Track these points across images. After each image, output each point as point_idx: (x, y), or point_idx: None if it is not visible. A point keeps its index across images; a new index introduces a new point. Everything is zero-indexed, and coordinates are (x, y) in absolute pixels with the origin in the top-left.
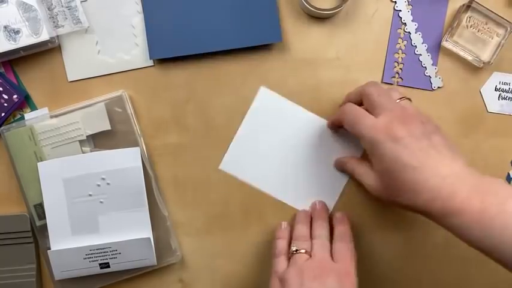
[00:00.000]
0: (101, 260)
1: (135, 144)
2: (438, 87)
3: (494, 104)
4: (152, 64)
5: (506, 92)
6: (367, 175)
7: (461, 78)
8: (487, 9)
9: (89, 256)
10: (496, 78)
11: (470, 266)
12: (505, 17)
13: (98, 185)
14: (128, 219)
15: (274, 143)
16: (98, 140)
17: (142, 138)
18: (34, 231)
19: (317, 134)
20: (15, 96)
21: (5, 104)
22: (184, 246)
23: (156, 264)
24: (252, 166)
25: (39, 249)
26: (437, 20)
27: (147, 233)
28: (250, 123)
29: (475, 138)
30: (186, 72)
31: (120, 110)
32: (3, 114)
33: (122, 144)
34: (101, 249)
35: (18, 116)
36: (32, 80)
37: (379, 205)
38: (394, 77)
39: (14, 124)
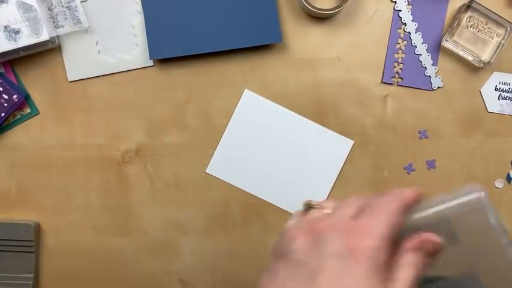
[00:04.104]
0: None
1: None
2: (438, 87)
3: (494, 104)
4: (152, 64)
5: (506, 92)
6: None
7: (461, 78)
8: (487, 9)
9: None
10: (496, 78)
11: None
12: (505, 17)
13: None
14: None
15: (259, 145)
16: None
17: None
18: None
19: (302, 134)
20: (15, 96)
21: (5, 104)
22: (185, 246)
23: None
24: (238, 169)
25: (39, 260)
26: (437, 20)
27: None
28: (236, 127)
29: (475, 138)
30: (186, 72)
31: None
32: (3, 114)
33: None
34: None
35: (18, 116)
36: (32, 80)
37: None
38: (394, 77)
39: None
